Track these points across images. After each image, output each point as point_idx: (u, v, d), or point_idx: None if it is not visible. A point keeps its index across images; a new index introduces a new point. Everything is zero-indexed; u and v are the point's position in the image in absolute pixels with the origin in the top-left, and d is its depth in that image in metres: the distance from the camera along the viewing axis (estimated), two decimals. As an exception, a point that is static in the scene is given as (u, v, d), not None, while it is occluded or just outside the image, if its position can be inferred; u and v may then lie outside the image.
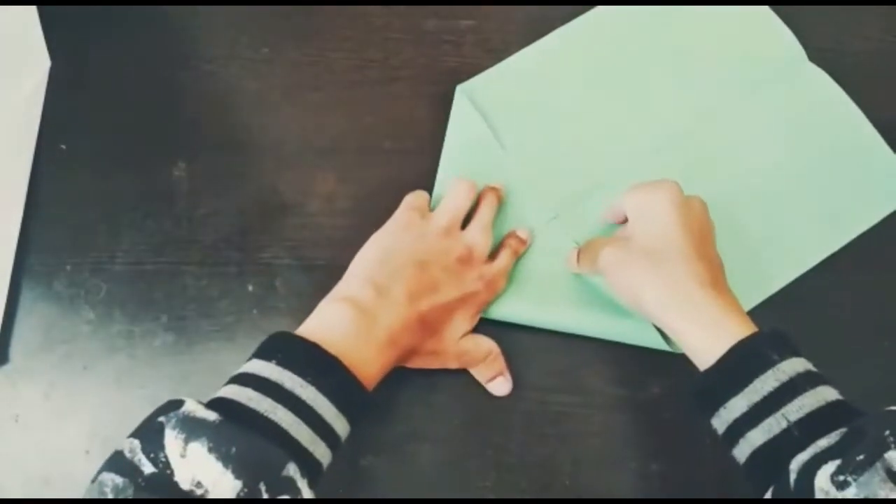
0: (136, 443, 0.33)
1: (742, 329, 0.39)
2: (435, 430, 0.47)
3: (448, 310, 0.45)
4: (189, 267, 0.50)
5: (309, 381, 0.37)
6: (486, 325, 0.48)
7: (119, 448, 0.34)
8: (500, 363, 0.48)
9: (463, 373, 0.48)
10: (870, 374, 0.48)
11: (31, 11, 0.53)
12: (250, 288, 0.50)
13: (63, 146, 0.53)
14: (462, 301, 0.46)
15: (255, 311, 0.49)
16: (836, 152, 0.52)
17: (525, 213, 0.50)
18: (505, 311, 0.48)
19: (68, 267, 0.50)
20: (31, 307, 0.50)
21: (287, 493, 0.33)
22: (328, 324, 0.42)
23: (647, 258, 0.42)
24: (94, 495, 0.32)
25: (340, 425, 0.38)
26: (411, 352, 0.44)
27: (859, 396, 0.37)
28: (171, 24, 0.56)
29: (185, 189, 0.52)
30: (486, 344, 0.47)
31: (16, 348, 0.49)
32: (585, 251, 0.47)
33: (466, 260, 0.46)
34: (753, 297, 0.49)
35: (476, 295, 0.46)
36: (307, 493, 0.34)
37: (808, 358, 0.38)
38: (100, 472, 0.33)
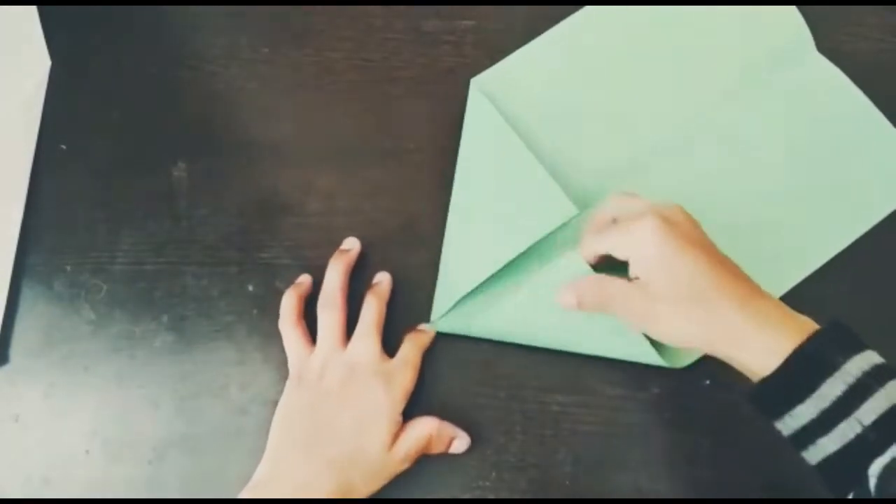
0: None
1: (795, 334, 0.37)
2: (435, 430, 0.47)
3: (356, 434, 0.43)
4: (189, 267, 0.50)
5: None
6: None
7: None
8: (446, 432, 0.45)
9: (463, 374, 0.48)
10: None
11: (31, 11, 0.53)
12: (250, 288, 0.50)
13: (63, 146, 0.53)
14: (361, 419, 0.44)
15: (255, 311, 0.49)
16: (847, 143, 0.52)
17: (547, 209, 0.48)
18: (494, 327, 0.47)
19: (68, 267, 0.50)
20: (31, 307, 0.50)
21: None
22: None
23: (676, 306, 0.39)
24: None
25: None
26: (346, 488, 0.42)
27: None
28: (171, 24, 0.56)
29: (185, 189, 0.52)
30: (419, 432, 0.45)
31: (16, 348, 0.49)
32: (591, 296, 0.42)
33: (351, 377, 0.45)
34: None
35: (378, 400, 0.44)
36: None
37: None
38: None
